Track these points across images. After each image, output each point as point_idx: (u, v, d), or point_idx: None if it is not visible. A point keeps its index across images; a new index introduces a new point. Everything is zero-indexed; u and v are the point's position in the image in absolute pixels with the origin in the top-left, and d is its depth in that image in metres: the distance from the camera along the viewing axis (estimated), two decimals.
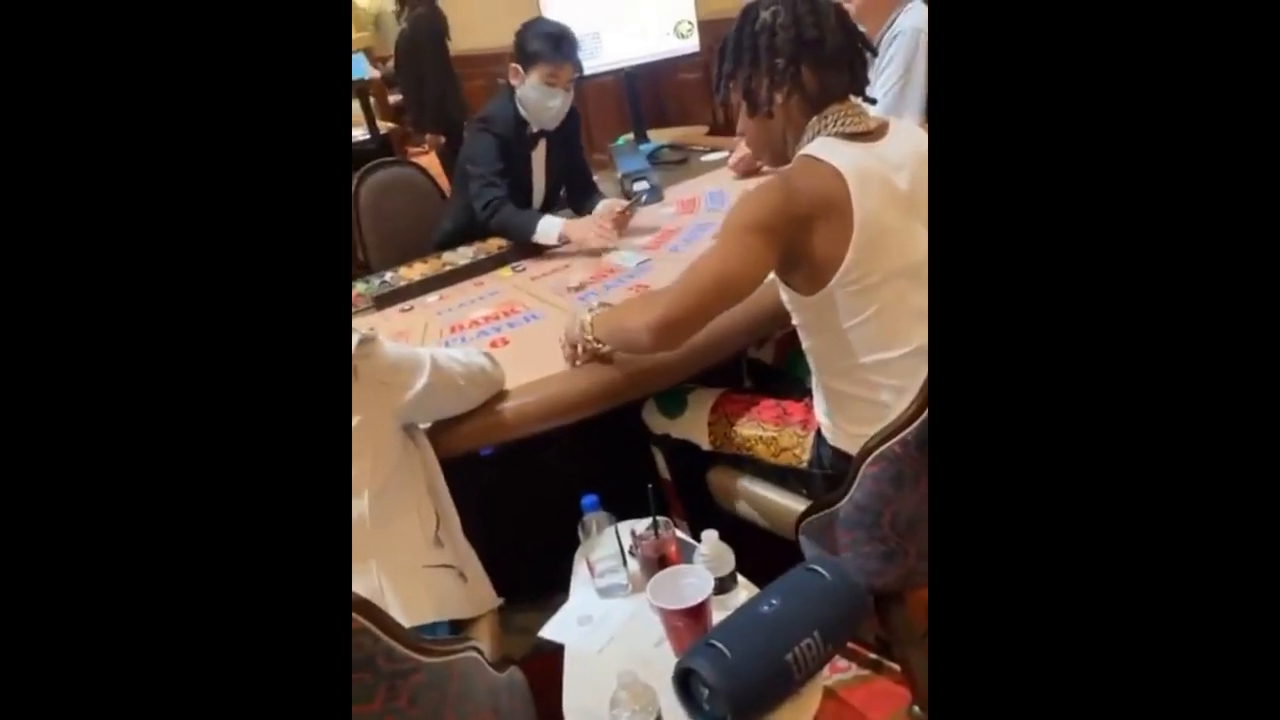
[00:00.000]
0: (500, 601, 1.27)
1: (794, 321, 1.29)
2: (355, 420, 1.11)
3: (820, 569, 1.05)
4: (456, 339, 1.65)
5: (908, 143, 1.20)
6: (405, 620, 1.02)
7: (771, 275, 1.25)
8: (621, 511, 1.24)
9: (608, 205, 2.11)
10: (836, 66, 1.19)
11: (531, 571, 1.35)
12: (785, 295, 1.27)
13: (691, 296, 1.20)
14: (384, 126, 4.67)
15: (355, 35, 6.91)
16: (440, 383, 1.23)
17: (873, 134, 1.19)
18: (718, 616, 1.03)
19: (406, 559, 1.12)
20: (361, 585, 1.04)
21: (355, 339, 1.12)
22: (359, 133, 4.48)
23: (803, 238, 1.16)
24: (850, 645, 1.15)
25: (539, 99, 2.00)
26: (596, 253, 1.95)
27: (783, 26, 1.18)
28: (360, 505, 1.09)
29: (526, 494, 1.67)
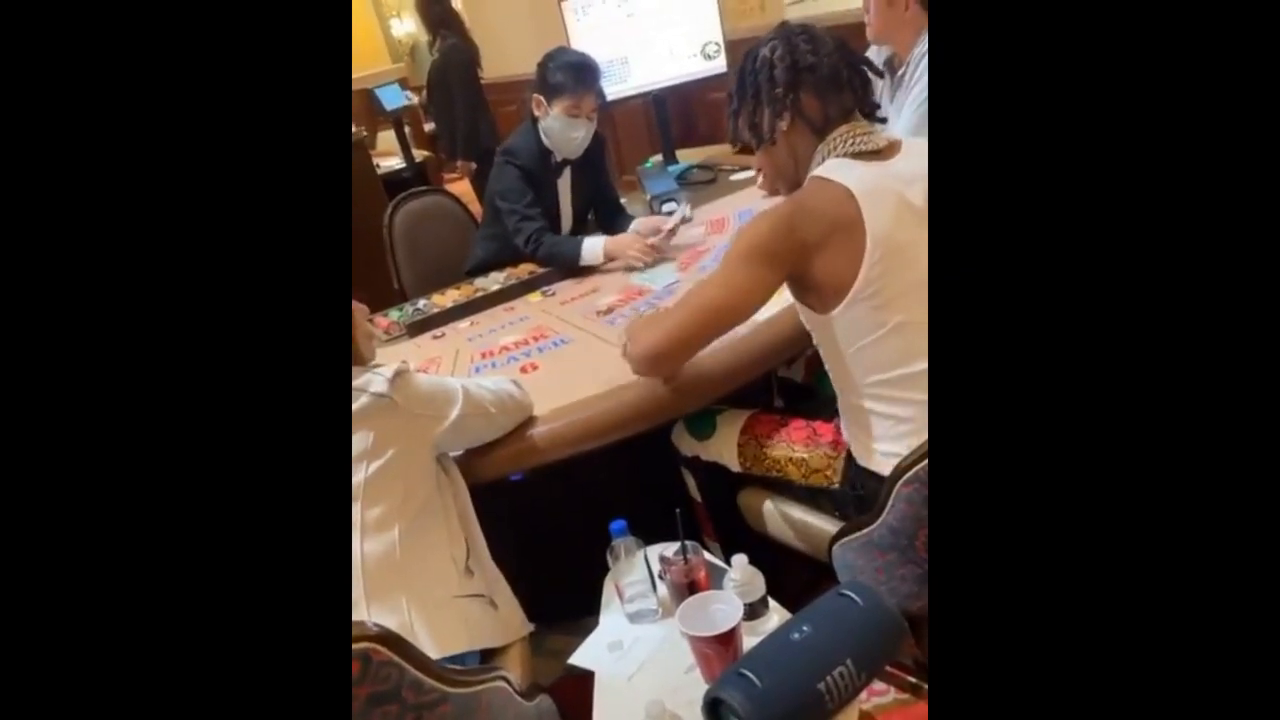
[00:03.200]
0: (531, 628, 1.27)
1: (814, 341, 1.30)
2: (388, 454, 1.12)
3: (853, 594, 1.03)
4: (486, 365, 1.67)
5: (920, 159, 1.20)
6: (436, 651, 1.03)
7: (791, 299, 1.27)
8: (653, 534, 1.24)
9: (647, 223, 2.12)
10: (835, 89, 1.21)
11: (563, 595, 1.35)
12: (803, 316, 1.28)
13: (685, 328, 1.25)
14: (419, 155, 4.76)
15: (391, 66, 7.08)
16: (472, 412, 1.25)
17: (883, 153, 1.21)
18: (749, 643, 1.02)
19: (438, 589, 1.13)
20: (392, 619, 1.04)
21: (389, 372, 1.14)
22: (394, 161, 4.58)
23: (811, 259, 1.18)
24: (889, 668, 1.12)
25: (562, 130, 2.02)
26: (626, 275, 1.95)
27: (780, 59, 1.21)
28: (391, 538, 1.10)
29: (557, 518, 1.67)
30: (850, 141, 1.20)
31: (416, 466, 1.18)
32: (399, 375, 1.15)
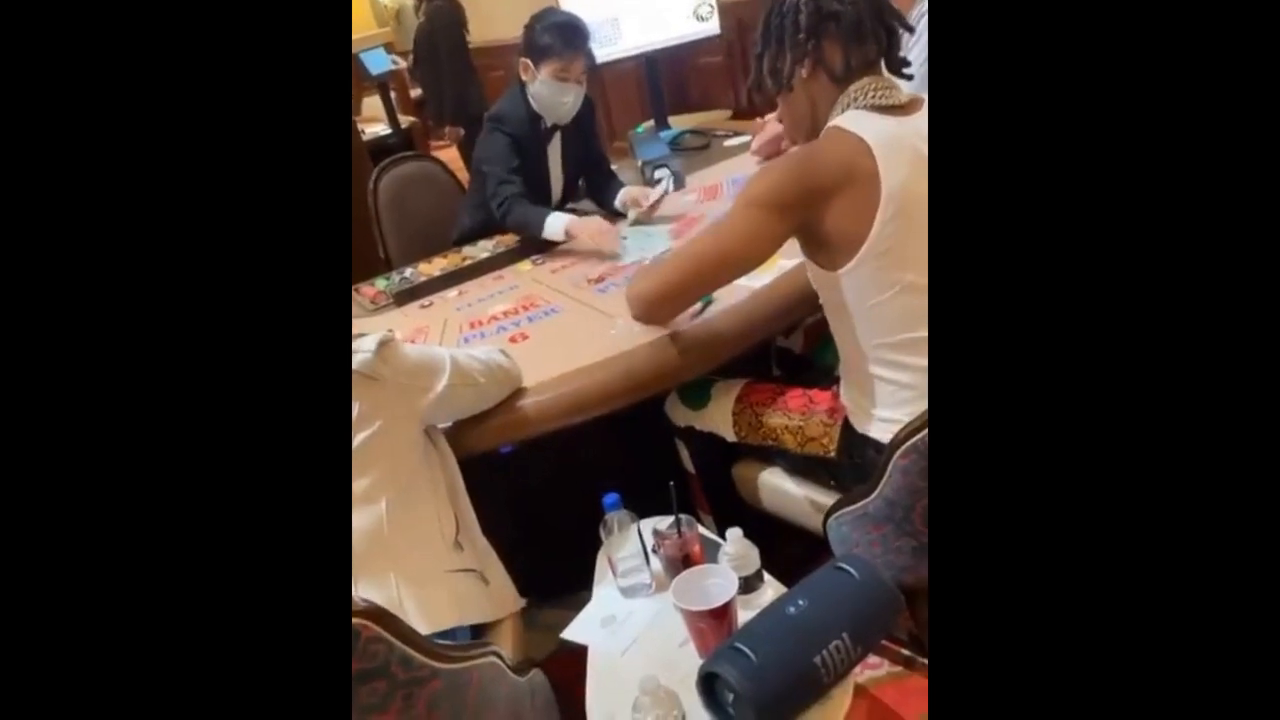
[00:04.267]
0: (523, 603, 1.25)
1: (821, 300, 1.27)
2: (374, 425, 1.10)
3: (849, 567, 1.01)
4: (475, 335, 1.64)
5: None
6: (426, 627, 1.01)
7: (800, 259, 1.24)
8: (647, 507, 1.22)
9: (630, 194, 2.07)
10: (859, 39, 1.18)
11: (556, 569, 1.33)
12: (812, 273, 1.25)
13: (685, 274, 1.23)
14: (405, 120, 4.67)
15: (377, 30, 6.94)
16: (461, 383, 1.23)
17: (904, 108, 1.18)
18: (744, 616, 1.01)
19: (427, 564, 1.11)
20: (380, 595, 1.02)
21: (373, 341, 1.11)
22: (380, 127, 4.49)
23: (823, 210, 1.15)
24: (883, 641, 1.12)
25: (551, 94, 1.96)
26: (615, 244, 1.91)
27: (805, 4, 1.18)
28: (378, 511, 1.08)
29: (549, 490, 1.65)
30: (871, 94, 1.17)
31: (403, 439, 1.15)
32: (384, 345, 1.12)
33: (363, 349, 1.10)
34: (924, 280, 1.13)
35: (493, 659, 0.95)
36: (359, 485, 1.08)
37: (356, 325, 1.49)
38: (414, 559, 1.10)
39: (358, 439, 1.08)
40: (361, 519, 1.07)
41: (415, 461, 1.17)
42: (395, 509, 1.10)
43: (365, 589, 1.03)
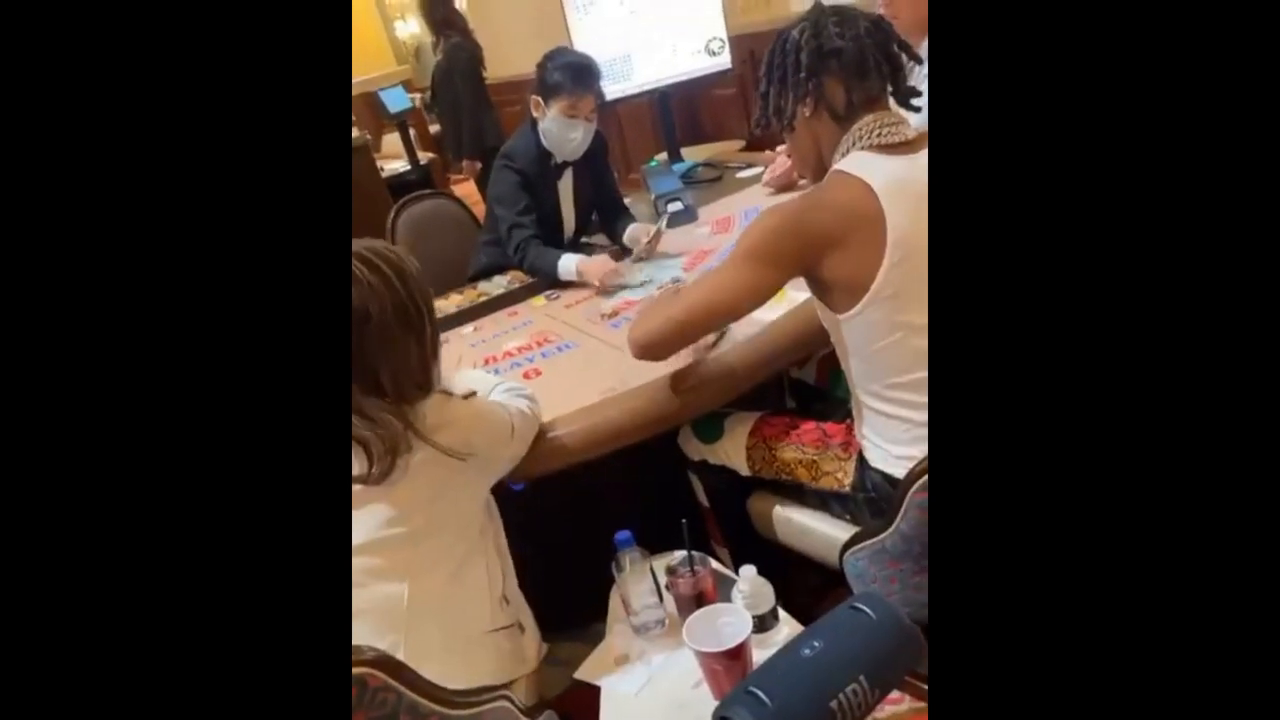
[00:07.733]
0: (545, 649, 1.24)
1: (832, 339, 1.26)
2: (448, 496, 1.11)
3: (866, 608, 1.00)
4: (490, 371, 1.64)
5: None
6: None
7: (809, 295, 1.25)
8: (660, 541, 1.21)
9: (634, 232, 2.10)
10: (861, 75, 1.16)
11: (569, 603, 1.32)
12: (822, 314, 1.25)
13: (681, 323, 1.24)
14: (424, 157, 4.74)
15: (396, 68, 7.08)
16: (519, 447, 1.24)
17: (912, 145, 1.16)
18: (759, 655, 0.99)
19: (474, 628, 1.11)
20: (430, 667, 0.95)
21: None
22: (399, 164, 4.57)
23: (823, 259, 1.14)
24: (905, 677, 1.10)
25: (560, 131, 1.99)
26: (620, 280, 1.92)
27: (806, 42, 1.17)
28: (439, 579, 1.08)
29: (562, 526, 1.64)
30: (876, 133, 1.15)
31: (470, 512, 1.16)
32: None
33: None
34: None
35: (503, 703, 0.94)
36: (424, 556, 1.08)
37: None
38: (463, 623, 1.10)
39: (433, 510, 1.09)
40: (419, 589, 1.07)
41: (478, 529, 1.17)
42: (454, 578, 1.10)
43: (412, 655, 1.00)
